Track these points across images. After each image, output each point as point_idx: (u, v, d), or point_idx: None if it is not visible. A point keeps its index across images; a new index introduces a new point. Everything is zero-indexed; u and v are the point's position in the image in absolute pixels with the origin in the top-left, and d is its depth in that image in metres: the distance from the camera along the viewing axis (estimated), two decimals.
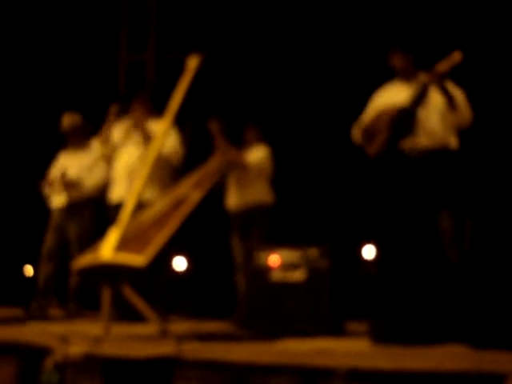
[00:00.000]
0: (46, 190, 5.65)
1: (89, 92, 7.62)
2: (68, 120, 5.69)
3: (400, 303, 3.31)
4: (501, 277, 3.28)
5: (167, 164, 4.93)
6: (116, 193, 5.02)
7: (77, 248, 5.36)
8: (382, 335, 3.12)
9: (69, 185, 5.45)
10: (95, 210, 5.60)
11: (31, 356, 3.69)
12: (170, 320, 4.61)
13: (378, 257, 7.17)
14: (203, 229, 6.24)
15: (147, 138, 4.82)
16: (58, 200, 5.56)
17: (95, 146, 5.28)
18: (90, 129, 5.73)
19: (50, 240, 5.55)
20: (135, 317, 4.53)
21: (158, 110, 4.98)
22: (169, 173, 4.98)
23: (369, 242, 6.92)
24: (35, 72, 7.82)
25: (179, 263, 7.59)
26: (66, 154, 5.76)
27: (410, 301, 3.32)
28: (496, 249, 4.64)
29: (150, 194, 4.72)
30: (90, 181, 5.56)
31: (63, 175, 5.43)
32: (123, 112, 5.12)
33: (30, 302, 5.47)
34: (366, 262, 7.00)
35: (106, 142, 5.07)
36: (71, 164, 5.62)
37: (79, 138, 5.69)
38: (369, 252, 7.25)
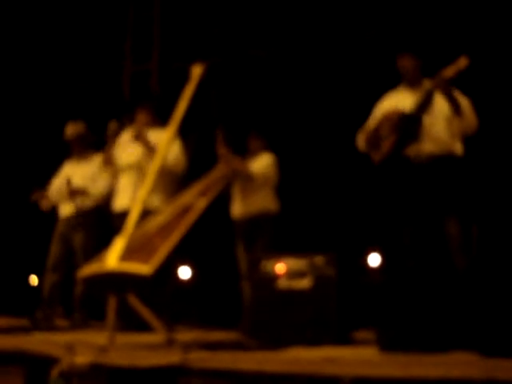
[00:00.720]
0: (54, 199, 5.65)
1: (94, 102, 7.64)
2: (72, 129, 5.71)
3: (407, 311, 3.28)
4: (509, 283, 3.26)
5: (170, 173, 4.92)
6: (120, 202, 5.01)
7: (82, 257, 5.36)
8: (389, 343, 3.10)
9: (74, 192, 5.45)
10: (100, 220, 5.60)
11: (37, 365, 3.68)
12: (176, 329, 4.60)
13: (384, 264, 7.14)
14: (208, 237, 6.22)
15: (149, 149, 4.81)
16: (65, 209, 5.56)
17: (98, 162, 5.29)
18: (94, 138, 5.74)
19: (55, 250, 5.56)
20: (140, 327, 4.54)
21: (162, 120, 4.99)
22: (172, 181, 4.97)
23: (374, 250, 6.89)
24: (40, 81, 7.84)
25: (184, 272, 7.58)
26: (70, 164, 5.77)
27: (417, 308, 3.30)
28: (503, 255, 4.63)
29: (154, 203, 4.71)
30: (95, 190, 5.56)
31: (68, 183, 5.43)
32: (126, 124, 5.11)
33: (35, 311, 5.46)
34: (372, 269, 6.98)
35: (109, 163, 5.07)
36: (75, 173, 5.62)
37: (83, 147, 5.70)
38: (374, 260, 7.22)
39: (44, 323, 5.20)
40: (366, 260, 6.83)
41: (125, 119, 5.10)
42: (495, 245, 4.88)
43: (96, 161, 5.65)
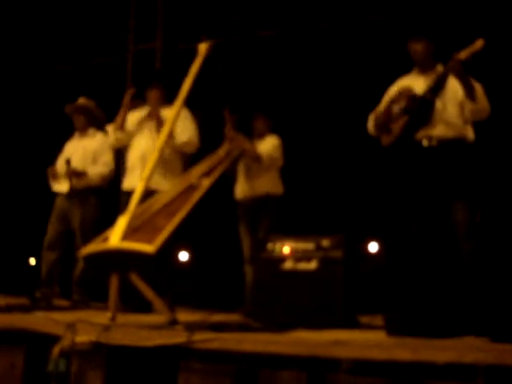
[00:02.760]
0: (51, 179, 5.58)
1: (97, 81, 7.58)
2: (81, 100, 5.65)
3: (415, 296, 3.23)
4: None
5: (183, 153, 4.90)
6: (130, 181, 4.93)
7: (79, 237, 5.31)
8: (397, 328, 3.04)
9: (73, 174, 5.36)
10: (99, 199, 5.52)
11: (38, 344, 3.64)
12: (177, 311, 4.55)
13: (382, 251, 7.13)
14: (209, 220, 6.18)
15: (162, 127, 4.74)
16: (64, 186, 5.47)
17: (109, 130, 5.16)
18: (103, 118, 5.65)
19: (52, 228, 5.49)
20: (139, 308, 4.51)
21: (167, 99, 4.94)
22: (183, 161, 4.93)
23: (373, 237, 6.89)
24: (43, 59, 7.77)
25: (182, 255, 7.56)
26: (72, 142, 5.69)
27: (425, 294, 3.25)
28: (507, 242, 4.58)
29: (163, 183, 4.66)
30: (95, 170, 5.47)
31: (68, 163, 5.34)
32: (137, 98, 5.04)
33: (34, 291, 5.41)
34: (371, 255, 6.97)
35: (121, 128, 4.99)
36: (76, 151, 5.54)
37: (87, 122, 5.60)
38: (373, 246, 7.22)
39: (43, 302, 5.14)
40: (365, 246, 6.82)
41: (136, 98, 5.02)
42: (502, 231, 4.83)
43: (99, 138, 5.57)
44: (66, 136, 5.77)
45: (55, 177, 5.49)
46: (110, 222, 4.04)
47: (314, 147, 6.60)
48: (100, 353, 3.34)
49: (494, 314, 2.88)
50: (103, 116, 5.68)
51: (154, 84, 5.02)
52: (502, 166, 6.06)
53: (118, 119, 4.99)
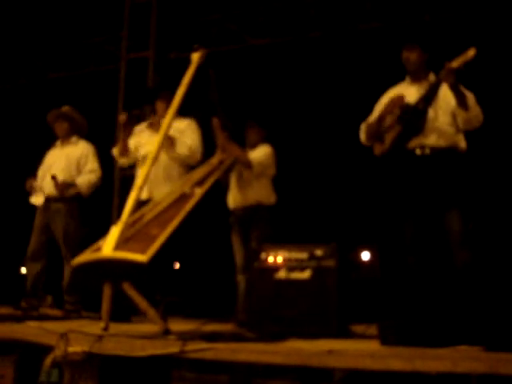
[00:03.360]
0: (29, 190, 5.55)
1: (90, 90, 7.58)
2: (65, 108, 5.61)
3: (410, 305, 3.23)
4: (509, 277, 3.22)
5: (186, 163, 4.90)
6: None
7: (64, 246, 5.29)
8: (391, 337, 3.04)
9: (63, 186, 5.34)
10: (80, 207, 5.49)
11: (29, 354, 3.62)
12: (171, 320, 4.54)
13: (374, 260, 7.13)
14: (202, 229, 6.17)
15: (169, 141, 4.74)
16: (37, 199, 5.46)
17: (115, 155, 5.14)
18: (85, 127, 5.63)
19: (34, 239, 5.45)
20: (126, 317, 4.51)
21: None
22: (185, 172, 4.91)
23: (366, 246, 6.89)
24: (35, 68, 7.76)
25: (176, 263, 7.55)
26: (54, 151, 5.64)
27: (420, 303, 3.25)
28: (501, 250, 4.58)
29: (160, 191, 4.65)
30: (83, 179, 5.45)
31: (54, 178, 5.31)
32: (134, 118, 5.03)
33: (20, 301, 5.39)
34: (364, 264, 6.97)
35: (123, 153, 4.99)
36: (58, 160, 5.51)
37: (70, 131, 5.57)
38: (366, 255, 7.22)
39: (30, 313, 5.11)
40: (358, 255, 6.82)
41: (144, 109, 5.01)
42: (495, 240, 4.84)
43: (82, 146, 5.55)
44: (47, 145, 5.74)
45: (31, 190, 5.47)
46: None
47: (306, 156, 6.61)
48: (92, 363, 3.33)
49: (488, 323, 2.89)
50: (85, 124, 5.66)
51: (162, 95, 4.98)
52: (495, 174, 6.08)
53: (120, 145, 4.99)
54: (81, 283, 4.62)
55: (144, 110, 5.29)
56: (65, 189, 5.35)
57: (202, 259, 7.05)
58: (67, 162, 5.45)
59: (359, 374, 2.70)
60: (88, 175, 5.47)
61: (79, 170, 5.47)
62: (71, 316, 5.14)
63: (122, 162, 5.13)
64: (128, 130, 4.96)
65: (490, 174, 6.08)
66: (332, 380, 2.99)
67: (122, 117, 4.96)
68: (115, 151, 5.11)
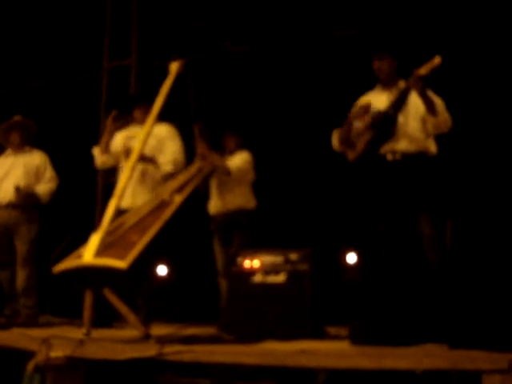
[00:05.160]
0: None
1: (72, 98, 7.64)
2: (18, 117, 5.64)
3: (378, 306, 3.34)
4: (479, 277, 3.33)
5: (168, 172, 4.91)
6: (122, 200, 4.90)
7: (24, 252, 5.37)
8: (360, 337, 3.15)
9: (24, 196, 5.41)
10: (41, 215, 5.57)
11: (12, 360, 3.69)
12: (153, 325, 4.63)
13: (360, 262, 7.21)
14: (185, 234, 6.25)
15: (151, 162, 4.82)
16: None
17: (94, 153, 5.19)
18: (35, 133, 5.69)
19: None
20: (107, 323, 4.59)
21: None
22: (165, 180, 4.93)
23: (351, 248, 6.96)
24: (17, 75, 7.79)
25: (161, 269, 7.62)
26: (5, 159, 5.63)
27: (388, 303, 3.36)
28: (475, 250, 4.70)
29: (144, 198, 4.72)
30: (44, 188, 5.52)
31: (18, 189, 5.36)
32: (119, 119, 5.09)
33: (3, 308, 5.47)
34: (349, 267, 7.05)
35: (106, 151, 5.05)
36: (15, 169, 5.53)
37: (22, 140, 5.59)
38: (351, 258, 7.29)
39: (14, 319, 5.19)
40: (343, 258, 6.90)
41: (123, 115, 5.07)
42: (468, 239, 4.97)
43: (39, 155, 5.62)
44: None
45: None
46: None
47: (286, 161, 6.71)
48: (75, 368, 3.41)
49: (451, 322, 3.01)
50: (35, 129, 5.71)
51: (140, 104, 5.05)
52: (468, 175, 6.21)
53: (103, 142, 5.05)
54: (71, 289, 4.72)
55: (127, 117, 5.33)
56: (27, 198, 5.41)
57: (189, 263, 7.12)
58: (25, 170, 5.49)
59: (341, 377, 2.80)
60: (48, 184, 5.54)
61: (38, 178, 5.53)
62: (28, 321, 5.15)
63: (102, 160, 5.11)
64: (113, 127, 5.01)
65: (465, 175, 6.21)
66: (316, 382, 3.11)
67: (112, 114, 5.03)
68: (96, 150, 5.14)
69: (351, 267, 7.26)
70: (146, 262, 4.38)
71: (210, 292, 5.45)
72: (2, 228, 5.45)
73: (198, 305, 6.45)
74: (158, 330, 4.31)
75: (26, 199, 5.39)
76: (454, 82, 5.60)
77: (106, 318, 4.75)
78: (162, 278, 7.72)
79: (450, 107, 4.31)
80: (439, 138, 4.37)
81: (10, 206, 5.42)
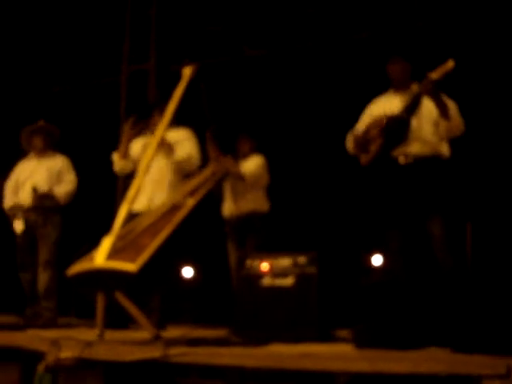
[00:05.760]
0: (8, 205, 5.67)
1: (92, 103, 7.74)
2: (42, 123, 5.76)
3: (383, 309, 3.35)
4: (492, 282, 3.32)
5: (180, 170, 4.95)
6: (138, 202, 4.78)
7: (45, 254, 5.46)
8: (364, 340, 3.17)
9: (42, 197, 5.52)
10: (62, 217, 5.66)
11: (31, 361, 3.75)
12: (171, 326, 4.70)
13: (386, 265, 7.18)
14: (211, 237, 6.28)
15: (169, 150, 4.85)
16: (19, 225, 5.59)
17: (114, 159, 5.19)
18: (58, 138, 5.79)
19: (19, 250, 5.61)
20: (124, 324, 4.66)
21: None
22: (181, 179, 4.98)
23: (377, 250, 6.94)
24: (37, 79, 7.90)
25: (187, 271, 7.68)
26: (28, 163, 5.76)
27: (394, 306, 3.36)
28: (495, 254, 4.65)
29: (161, 200, 4.75)
30: (62, 189, 5.63)
31: (35, 190, 5.48)
32: (138, 125, 5.12)
33: (25, 309, 5.57)
34: (375, 269, 7.02)
35: (125, 156, 5.03)
36: (37, 172, 5.65)
37: (47, 144, 5.73)
38: (377, 260, 7.26)
39: (34, 320, 5.28)
40: (368, 260, 6.88)
41: (142, 121, 5.09)
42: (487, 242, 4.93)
43: (61, 159, 5.73)
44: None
45: (13, 216, 5.61)
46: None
47: (302, 164, 6.72)
48: (88, 369, 3.46)
49: (455, 326, 3.01)
50: (58, 134, 5.81)
51: (158, 109, 5.03)
52: (486, 178, 6.17)
53: (121, 148, 5.04)
54: (84, 291, 4.79)
55: (146, 122, 5.37)
56: (45, 199, 5.51)
57: (215, 265, 7.17)
58: (48, 174, 5.61)
59: (362, 380, 2.81)
60: (67, 185, 5.66)
61: (59, 181, 5.65)
62: (48, 323, 5.24)
63: (122, 165, 5.12)
64: (132, 133, 5.02)
65: (483, 178, 6.16)
66: None
67: (131, 120, 5.04)
68: (115, 155, 5.15)
69: (376, 269, 7.23)
70: (161, 264, 4.42)
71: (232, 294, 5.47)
72: (24, 230, 5.56)
73: (221, 307, 6.49)
74: (174, 331, 4.38)
75: (43, 200, 5.49)
76: (468, 84, 5.57)
77: (121, 319, 4.81)
78: (187, 280, 7.77)
79: (465, 109, 4.30)
80: (459, 141, 4.35)
81: (33, 208, 5.53)
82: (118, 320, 4.61)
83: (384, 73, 4.44)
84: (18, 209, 5.58)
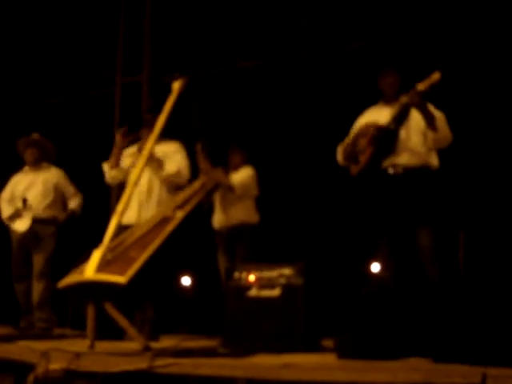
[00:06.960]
0: (5, 214, 5.74)
1: (86, 114, 7.79)
2: (36, 135, 5.85)
3: (367, 319, 3.39)
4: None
5: (170, 183, 5.00)
6: (128, 215, 4.79)
7: (41, 265, 5.52)
8: (346, 351, 3.21)
9: (67, 218, 5.67)
10: (57, 229, 5.75)
11: (23, 373, 3.78)
12: (165, 337, 4.73)
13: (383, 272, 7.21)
14: (209, 247, 6.32)
15: (157, 162, 4.90)
16: (21, 224, 5.67)
17: (104, 169, 5.25)
18: (53, 151, 5.85)
19: (15, 261, 5.70)
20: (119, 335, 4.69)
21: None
22: (171, 192, 5.03)
23: (376, 259, 6.97)
24: (31, 90, 7.94)
25: (185, 281, 7.72)
26: (23, 175, 5.85)
27: (379, 317, 3.40)
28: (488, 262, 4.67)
29: (150, 213, 4.79)
30: (73, 202, 5.76)
31: (24, 202, 5.58)
32: (130, 135, 5.16)
33: (19, 320, 5.61)
34: (374, 277, 7.06)
35: (116, 166, 5.08)
36: (33, 185, 5.74)
37: (39, 157, 5.81)
38: (376, 267, 7.30)
39: (28, 331, 5.33)
40: (368, 268, 6.92)
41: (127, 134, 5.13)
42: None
43: (57, 172, 5.83)
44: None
45: (15, 216, 5.68)
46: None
47: (294, 176, 6.76)
48: (73, 380, 3.49)
49: (436, 336, 3.05)
50: (54, 150, 5.89)
51: (149, 118, 5.05)
52: (477, 188, 6.21)
53: (112, 158, 5.09)
54: (75, 303, 4.83)
55: (137, 133, 5.42)
56: (69, 217, 5.71)
57: (212, 275, 7.20)
58: (45, 187, 5.72)
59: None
60: (76, 198, 5.80)
61: (58, 195, 5.73)
62: (41, 334, 5.27)
63: (112, 175, 5.14)
64: (124, 143, 5.06)
65: (474, 188, 6.20)
66: None
67: (122, 130, 5.08)
68: (106, 165, 5.19)
69: (376, 277, 7.27)
70: (152, 275, 4.45)
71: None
72: (21, 242, 5.62)
73: (217, 317, 6.52)
74: (166, 342, 4.41)
75: (68, 219, 5.70)
76: (458, 93, 5.63)
77: (116, 330, 4.83)
78: (185, 290, 7.81)
79: (456, 119, 4.34)
80: (451, 150, 4.38)
81: (36, 220, 5.61)
82: (112, 331, 4.64)
83: (375, 84, 4.49)
84: (21, 210, 5.63)
